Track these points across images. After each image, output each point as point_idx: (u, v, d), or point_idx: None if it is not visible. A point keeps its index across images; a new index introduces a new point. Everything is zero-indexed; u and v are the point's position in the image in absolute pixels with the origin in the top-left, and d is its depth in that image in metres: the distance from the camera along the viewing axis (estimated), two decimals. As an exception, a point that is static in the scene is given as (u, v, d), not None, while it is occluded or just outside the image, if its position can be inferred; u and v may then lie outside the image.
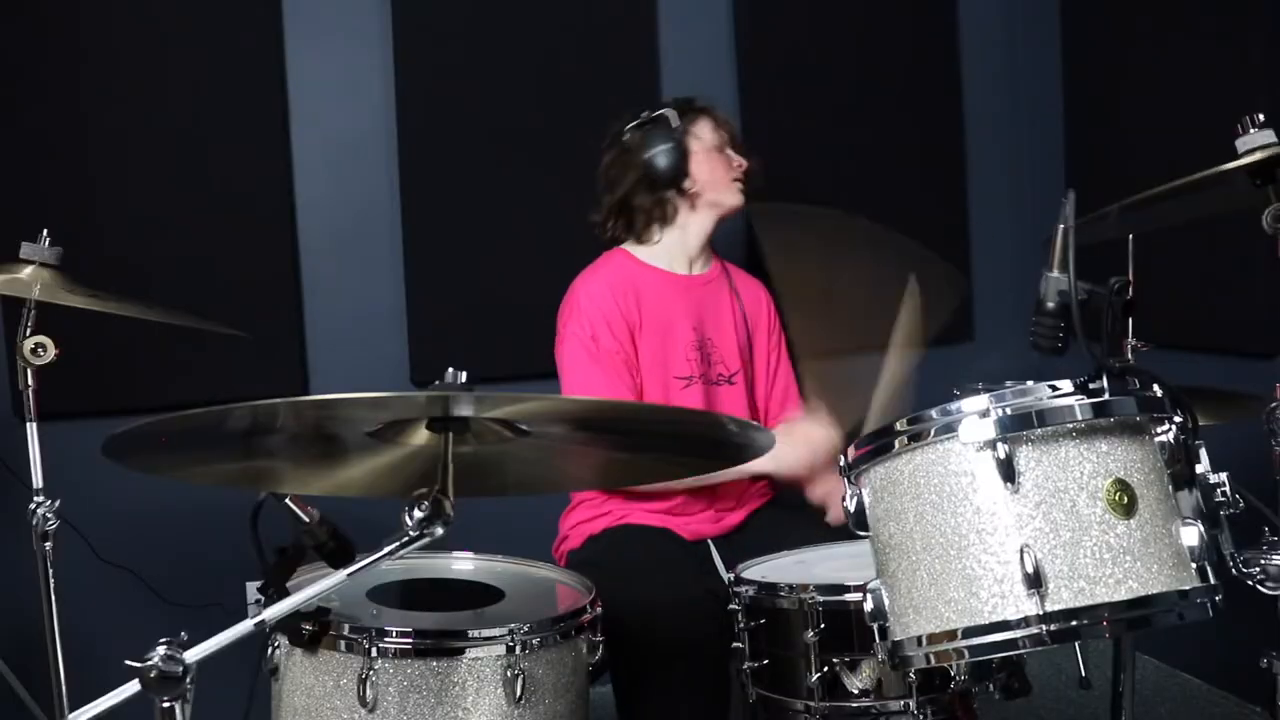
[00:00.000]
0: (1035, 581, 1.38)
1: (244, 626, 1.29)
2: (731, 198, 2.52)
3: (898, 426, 1.52)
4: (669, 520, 2.38)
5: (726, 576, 2.05)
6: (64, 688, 2.12)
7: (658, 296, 2.45)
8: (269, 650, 1.78)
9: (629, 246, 2.53)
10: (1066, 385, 1.47)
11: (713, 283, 2.56)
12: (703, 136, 2.52)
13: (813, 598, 1.82)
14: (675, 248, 2.52)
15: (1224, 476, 1.49)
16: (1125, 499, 1.41)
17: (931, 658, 1.49)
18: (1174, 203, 1.80)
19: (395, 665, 1.67)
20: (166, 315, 2.23)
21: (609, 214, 2.53)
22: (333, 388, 3.04)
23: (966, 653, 1.45)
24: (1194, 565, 1.44)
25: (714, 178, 2.50)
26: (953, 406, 1.48)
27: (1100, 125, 3.34)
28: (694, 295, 2.51)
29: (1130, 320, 1.64)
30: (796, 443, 2.34)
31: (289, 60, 3.07)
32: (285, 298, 3.08)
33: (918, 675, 1.77)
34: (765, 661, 1.90)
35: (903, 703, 1.79)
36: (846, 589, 1.81)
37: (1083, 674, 1.89)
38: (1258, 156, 1.67)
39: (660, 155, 2.47)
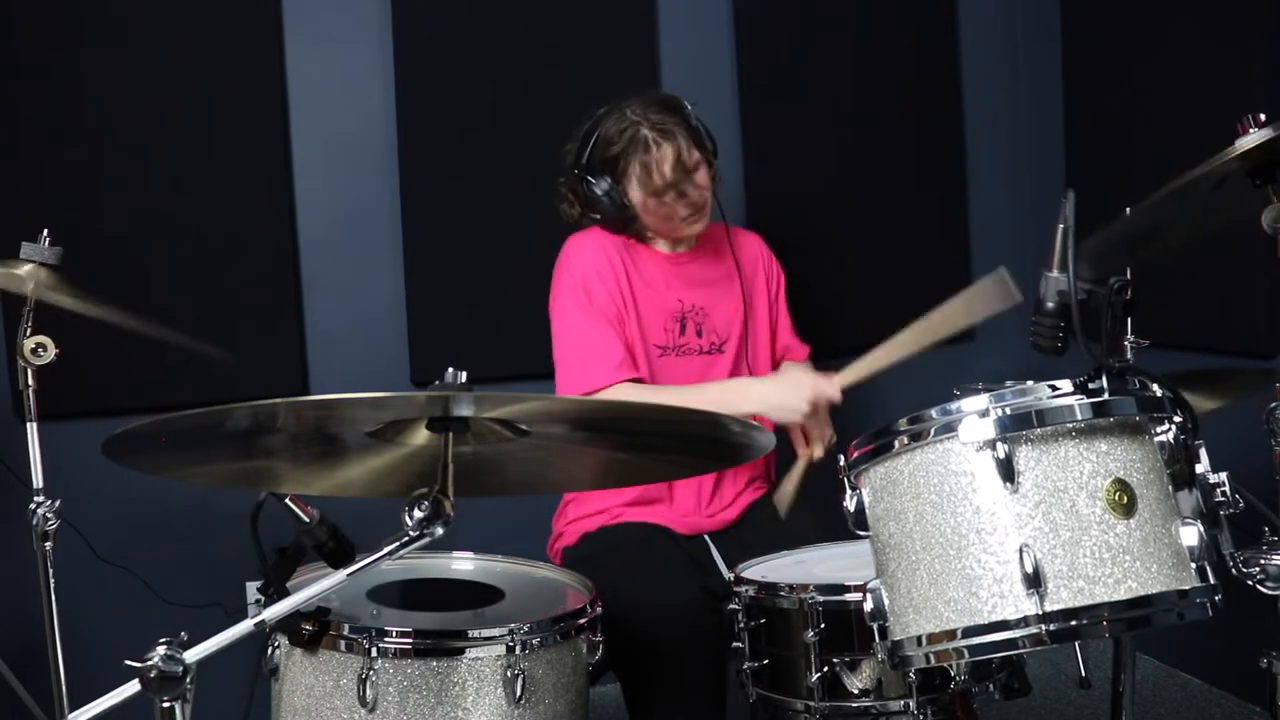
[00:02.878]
0: (1035, 581, 1.38)
1: (244, 626, 1.29)
2: (683, 232, 2.45)
3: (897, 426, 1.52)
4: (665, 516, 2.39)
5: (727, 575, 2.05)
6: (64, 688, 2.12)
7: (643, 264, 2.46)
8: (269, 650, 1.78)
9: None
10: (1066, 385, 1.47)
11: (702, 256, 2.53)
12: (634, 192, 2.38)
13: (813, 598, 1.82)
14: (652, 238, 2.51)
15: (1224, 476, 1.49)
16: (1125, 499, 1.41)
17: (931, 657, 1.49)
18: (1175, 208, 1.80)
19: (395, 665, 1.67)
20: (158, 330, 2.21)
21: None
22: (333, 388, 3.04)
23: (966, 652, 1.45)
24: (1194, 565, 1.44)
25: (658, 224, 2.43)
26: (952, 406, 1.48)
27: (1100, 125, 3.34)
28: (679, 269, 2.50)
29: (1130, 320, 1.64)
30: (788, 385, 2.32)
31: (289, 60, 3.07)
32: (285, 298, 3.08)
33: (918, 675, 1.77)
34: (765, 661, 1.90)
35: (903, 703, 1.79)
36: (846, 589, 1.81)
37: (1083, 674, 1.90)
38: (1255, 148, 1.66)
39: (600, 211, 2.42)
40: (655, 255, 2.50)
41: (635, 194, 2.39)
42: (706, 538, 2.41)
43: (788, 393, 2.29)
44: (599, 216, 2.43)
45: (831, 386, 2.28)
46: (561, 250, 2.48)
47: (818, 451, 2.37)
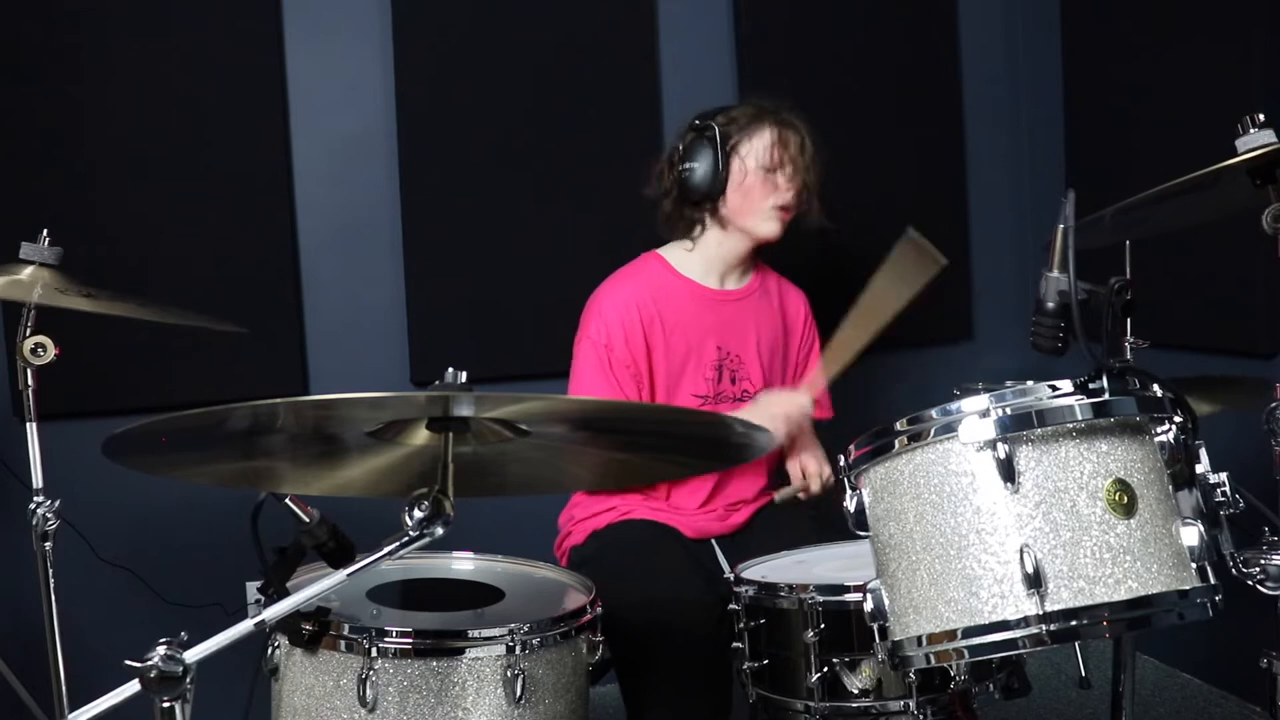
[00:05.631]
0: (1035, 581, 1.38)
1: (244, 626, 1.29)
2: (763, 228, 2.39)
3: (897, 426, 1.52)
4: (674, 518, 2.38)
5: (729, 576, 2.05)
6: (64, 688, 2.12)
7: (683, 311, 2.40)
8: (269, 650, 1.78)
9: (666, 250, 2.47)
10: (1066, 385, 1.47)
11: (747, 299, 2.48)
12: (750, 157, 2.37)
13: (813, 598, 1.82)
14: (709, 260, 2.44)
15: (1224, 476, 1.49)
16: (1125, 499, 1.41)
17: (931, 658, 1.49)
18: (1174, 204, 1.80)
19: (395, 665, 1.67)
20: (165, 314, 2.22)
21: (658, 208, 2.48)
22: (333, 388, 3.04)
23: (966, 653, 1.45)
24: (1194, 565, 1.44)
25: (747, 205, 2.38)
26: (953, 406, 1.48)
27: (1100, 125, 3.34)
28: (720, 312, 2.44)
29: (1130, 320, 1.64)
30: (765, 414, 2.30)
31: (289, 60, 3.06)
32: (285, 297, 3.08)
33: (918, 675, 1.77)
34: (765, 661, 1.90)
35: (903, 703, 1.79)
36: (846, 589, 1.81)
37: (1083, 674, 1.90)
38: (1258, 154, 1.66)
39: (694, 171, 2.38)
40: (697, 292, 2.43)
41: (751, 159, 2.37)
42: (713, 542, 2.40)
43: (762, 416, 2.27)
44: (693, 167, 2.37)
45: (800, 397, 2.34)
46: (595, 293, 2.42)
47: (814, 486, 2.41)
